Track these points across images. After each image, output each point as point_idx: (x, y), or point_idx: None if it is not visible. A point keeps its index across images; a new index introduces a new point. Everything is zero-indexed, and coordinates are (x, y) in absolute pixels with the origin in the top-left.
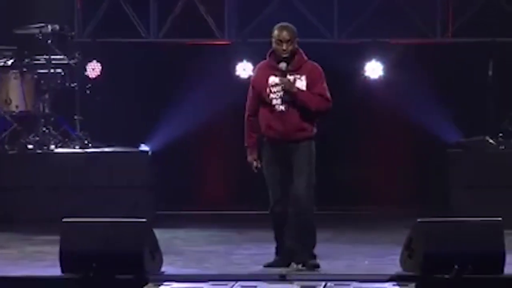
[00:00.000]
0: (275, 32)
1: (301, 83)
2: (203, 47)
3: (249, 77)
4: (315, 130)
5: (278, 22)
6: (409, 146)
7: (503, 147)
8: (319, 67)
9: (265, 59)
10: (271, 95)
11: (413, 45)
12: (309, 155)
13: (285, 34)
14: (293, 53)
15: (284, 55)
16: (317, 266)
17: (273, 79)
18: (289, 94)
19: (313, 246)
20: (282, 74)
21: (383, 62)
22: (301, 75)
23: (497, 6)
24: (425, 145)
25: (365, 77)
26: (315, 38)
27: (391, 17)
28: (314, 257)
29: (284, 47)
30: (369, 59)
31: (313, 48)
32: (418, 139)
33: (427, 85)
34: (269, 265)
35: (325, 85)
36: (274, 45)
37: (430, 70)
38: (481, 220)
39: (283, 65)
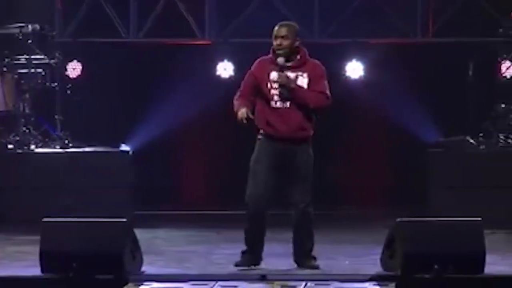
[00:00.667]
0: (275, 28)
1: (302, 81)
2: (183, 47)
3: (230, 77)
4: (312, 131)
5: (258, 22)
6: (389, 146)
7: (483, 147)
8: (322, 66)
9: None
10: (272, 91)
11: (394, 45)
12: (308, 158)
13: (280, 30)
14: (294, 51)
15: (278, 51)
16: (317, 267)
17: (274, 75)
18: (287, 90)
19: (312, 248)
20: (280, 68)
21: (364, 62)
22: (303, 72)
23: (478, 6)
24: (406, 145)
25: (346, 77)
26: None
27: (372, 17)
28: (314, 258)
29: (278, 42)
30: (350, 59)
31: None
32: (398, 139)
33: (407, 85)
34: (238, 265)
35: (326, 83)
36: (273, 41)
37: (410, 70)
38: (461, 220)
39: (281, 60)
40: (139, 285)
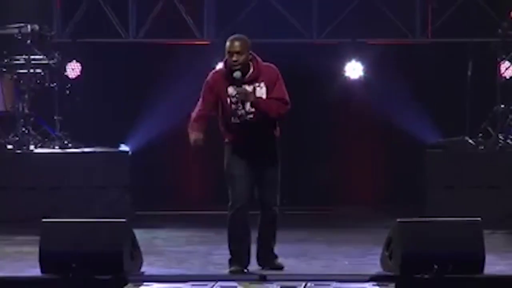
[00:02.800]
0: (227, 44)
1: (261, 91)
2: (182, 47)
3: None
4: (279, 131)
5: (257, 23)
6: (388, 146)
7: (482, 148)
8: (275, 69)
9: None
10: (233, 106)
11: (393, 45)
12: (277, 161)
13: (235, 44)
14: (247, 63)
15: (235, 67)
16: (283, 267)
17: (231, 90)
18: (247, 104)
19: (274, 248)
20: (237, 82)
21: (363, 62)
22: (259, 82)
23: (476, 6)
24: (405, 145)
25: (345, 77)
26: (294, 38)
27: (371, 17)
28: (277, 257)
29: (234, 58)
30: (349, 59)
31: (292, 48)
32: (397, 139)
33: (406, 86)
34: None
35: (283, 86)
36: (226, 56)
37: (409, 70)
38: (460, 220)
39: (237, 74)
40: (139, 286)
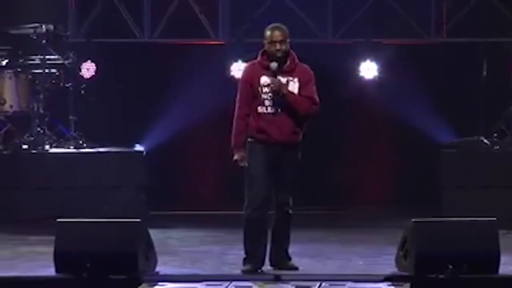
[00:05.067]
0: (267, 33)
1: (293, 86)
2: (197, 47)
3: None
4: (302, 136)
5: (272, 22)
6: (403, 146)
7: (497, 147)
8: (310, 70)
9: (255, 58)
10: (263, 96)
11: (408, 45)
12: (297, 162)
13: (278, 34)
14: (286, 55)
15: (278, 55)
16: (296, 268)
17: (265, 79)
18: (279, 96)
19: (288, 249)
20: (273, 74)
21: (378, 62)
22: (294, 77)
23: (491, 6)
24: (419, 145)
25: (360, 77)
26: (309, 38)
27: (386, 17)
28: (290, 258)
29: (277, 47)
30: (364, 59)
31: (307, 48)
32: (411, 139)
33: (421, 85)
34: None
35: (314, 87)
36: (266, 46)
37: (424, 70)
38: (476, 220)
39: (274, 65)
40: (153, 285)
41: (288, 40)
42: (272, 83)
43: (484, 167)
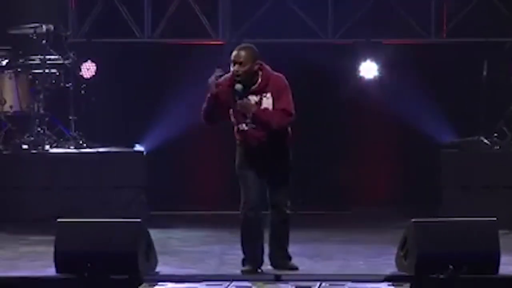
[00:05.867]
0: (233, 52)
1: (267, 101)
2: (197, 47)
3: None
4: (290, 135)
5: (272, 23)
6: (403, 146)
7: (498, 147)
8: (284, 80)
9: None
10: (239, 114)
11: (408, 45)
12: (288, 163)
13: (239, 55)
14: (252, 74)
15: (236, 78)
16: (296, 268)
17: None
18: (249, 115)
19: (288, 249)
20: (238, 95)
21: (378, 62)
22: (266, 92)
23: (491, 6)
24: (419, 145)
25: (360, 77)
26: (309, 38)
27: (385, 17)
28: (290, 258)
29: (236, 68)
30: (364, 59)
31: (307, 48)
32: (412, 139)
33: (421, 86)
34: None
35: (289, 98)
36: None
37: (424, 70)
38: (476, 220)
39: (239, 87)
40: (154, 286)
41: (254, 61)
42: (238, 106)
43: (484, 167)
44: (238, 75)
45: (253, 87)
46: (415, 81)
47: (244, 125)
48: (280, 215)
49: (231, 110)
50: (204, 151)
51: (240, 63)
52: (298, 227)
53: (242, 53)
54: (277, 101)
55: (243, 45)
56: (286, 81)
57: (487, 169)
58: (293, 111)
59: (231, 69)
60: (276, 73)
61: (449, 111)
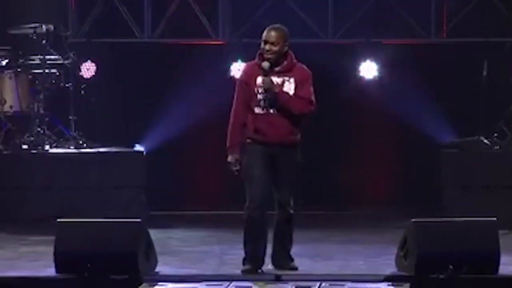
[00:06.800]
0: (264, 32)
1: (289, 86)
2: (197, 47)
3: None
4: (300, 136)
5: (272, 22)
6: (403, 146)
7: (498, 147)
8: (308, 70)
9: (254, 59)
10: (259, 96)
11: (408, 45)
12: (295, 162)
13: (271, 35)
14: (282, 55)
15: (268, 56)
16: (296, 268)
17: (260, 80)
18: (271, 94)
19: (291, 250)
20: (264, 73)
21: (378, 62)
22: (289, 77)
23: (491, 6)
24: (419, 145)
25: (360, 77)
26: (309, 38)
27: (385, 17)
28: (293, 260)
29: (267, 48)
30: (364, 59)
31: (307, 48)
32: (412, 139)
33: (421, 86)
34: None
35: (311, 88)
36: (262, 45)
37: (424, 70)
38: (476, 220)
39: (265, 64)
40: (154, 286)
41: (285, 42)
42: (263, 82)
43: (484, 167)
44: (269, 54)
45: (277, 68)
46: (415, 81)
47: (264, 109)
48: (284, 214)
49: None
50: (204, 151)
51: (272, 43)
52: (298, 227)
53: (274, 33)
54: (300, 88)
55: (275, 25)
56: (310, 73)
57: (487, 169)
58: (314, 102)
59: (231, 69)
60: (301, 64)
61: (449, 111)
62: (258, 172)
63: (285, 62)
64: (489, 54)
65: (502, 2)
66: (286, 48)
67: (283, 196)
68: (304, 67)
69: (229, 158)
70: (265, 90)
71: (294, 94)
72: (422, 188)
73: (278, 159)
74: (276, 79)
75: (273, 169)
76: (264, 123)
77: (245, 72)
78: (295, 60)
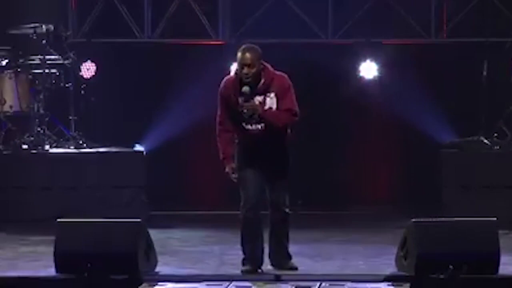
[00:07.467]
0: (238, 55)
1: (271, 101)
2: (197, 47)
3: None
4: (289, 133)
5: (272, 23)
6: (403, 146)
7: (497, 147)
8: (287, 79)
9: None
10: (244, 115)
11: (408, 45)
12: (287, 163)
13: (246, 57)
14: (258, 74)
15: (247, 80)
16: (296, 268)
17: (242, 102)
18: (255, 116)
19: (288, 248)
20: (246, 98)
21: (378, 62)
22: (270, 92)
23: (491, 6)
24: (420, 145)
25: (360, 77)
26: (309, 38)
27: (385, 17)
28: (291, 257)
29: (245, 71)
30: (364, 59)
31: (307, 48)
32: (412, 139)
33: (421, 85)
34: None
35: (293, 97)
36: (238, 68)
37: (424, 70)
38: (476, 220)
39: (246, 89)
40: (154, 285)
41: (259, 60)
42: (245, 108)
43: (484, 167)
44: (248, 77)
45: (257, 88)
46: (415, 81)
47: (249, 125)
48: (280, 214)
49: (232, 111)
50: (204, 151)
51: (249, 65)
52: (298, 227)
53: (249, 55)
54: (282, 101)
55: (246, 46)
56: (289, 81)
57: (487, 169)
58: (298, 111)
59: (232, 69)
60: (279, 72)
61: (449, 111)
62: (250, 172)
63: (263, 80)
64: (489, 54)
65: (502, 2)
66: (261, 66)
67: (276, 196)
68: (283, 76)
69: (226, 169)
70: (250, 115)
71: (277, 108)
72: (422, 188)
73: (268, 160)
74: (257, 98)
75: (265, 170)
76: (251, 136)
77: (224, 90)
78: (271, 70)
